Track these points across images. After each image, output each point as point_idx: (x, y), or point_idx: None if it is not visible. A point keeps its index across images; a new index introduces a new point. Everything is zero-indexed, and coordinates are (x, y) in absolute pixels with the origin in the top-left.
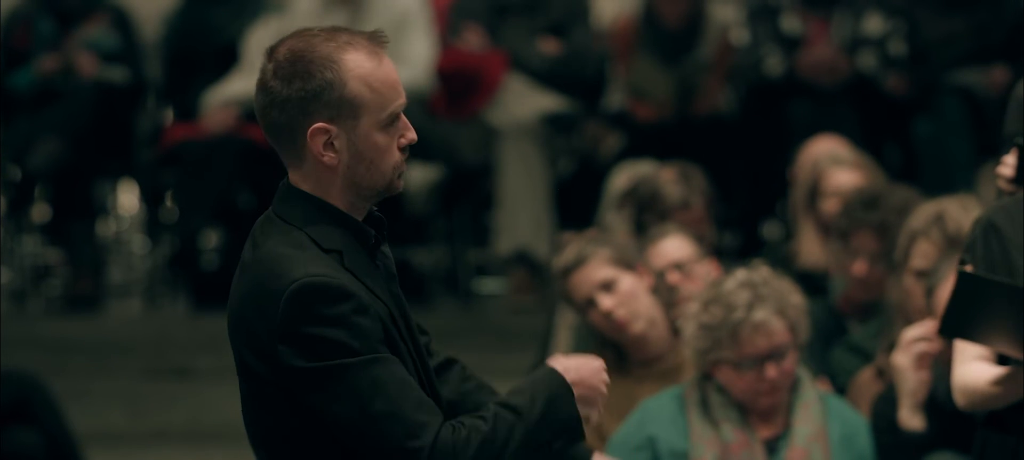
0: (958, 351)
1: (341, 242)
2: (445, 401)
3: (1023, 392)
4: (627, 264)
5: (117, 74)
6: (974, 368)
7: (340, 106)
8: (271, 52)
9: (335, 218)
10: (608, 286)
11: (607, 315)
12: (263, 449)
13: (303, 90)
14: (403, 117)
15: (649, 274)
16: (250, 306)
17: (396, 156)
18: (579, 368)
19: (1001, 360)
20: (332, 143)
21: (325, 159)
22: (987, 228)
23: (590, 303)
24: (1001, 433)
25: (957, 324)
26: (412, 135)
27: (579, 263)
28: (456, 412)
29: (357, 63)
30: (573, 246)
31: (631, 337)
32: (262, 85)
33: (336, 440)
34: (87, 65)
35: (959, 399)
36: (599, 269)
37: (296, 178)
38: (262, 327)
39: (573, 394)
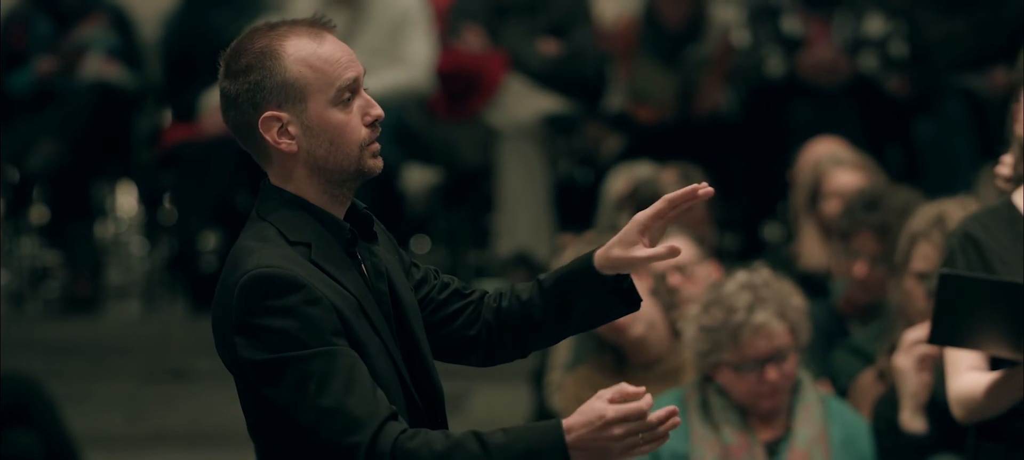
0: (950, 363)
1: (310, 235)
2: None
3: (1020, 394)
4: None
5: (115, 75)
6: (968, 379)
7: (284, 91)
8: (223, 56)
9: (306, 210)
10: None
11: None
12: (255, 439)
13: (247, 83)
14: (364, 94)
15: (648, 276)
16: (217, 301)
17: (361, 133)
18: (583, 429)
19: (994, 366)
20: (286, 130)
21: (282, 146)
22: (964, 239)
23: None
24: (993, 441)
25: (946, 331)
26: (377, 110)
27: None
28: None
29: (296, 47)
30: (572, 249)
31: (630, 340)
32: (219, 90)
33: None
34: (92, 65)
35: (957, 412)
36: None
37: (272, 176)
38: (224, 321)
39: (565, 456)
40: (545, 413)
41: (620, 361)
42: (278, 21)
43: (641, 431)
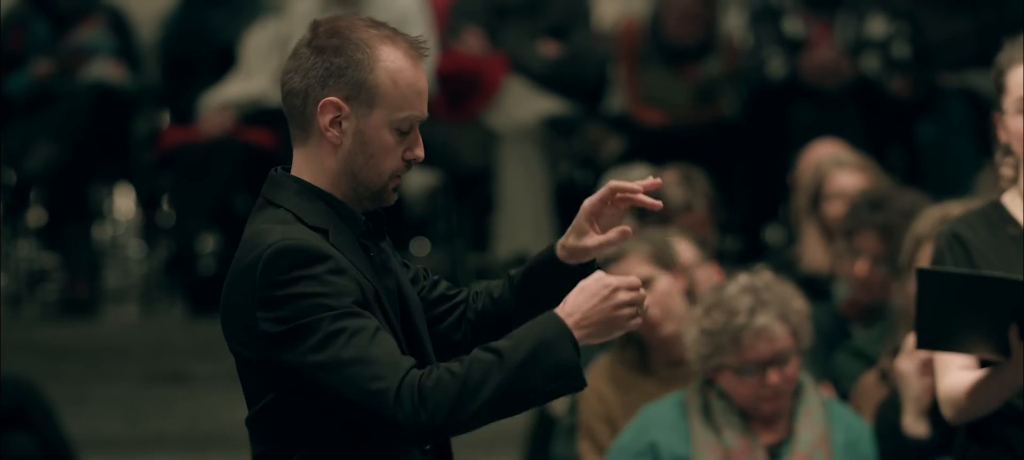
0: (940, 363)
1: (327, 222)
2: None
3: (1005, 394)
4: (665, 264)
5: (114, 76)
6: (957, 378)
7: (359, 89)
8: (315, 24)
9: (322, 199)
10: (645, 284)
11: None
12: (256, 430)
13: (329, 62)
14: (417, 132)
15: (683, 277)
16: (231, 285)
17: (398, 163)
18: (581, 306)
19: (984, 365)
20: (340, 122)
21: (328, 135)
22: (951, 240)
23: None
24: (981, 444)
25: (932, 334)
26: (420, 152)
27: (618, 258)
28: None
29: (391, 57)
30: None
31: (661, 337)
32: (295, 51)
33: (322, 416)
34: (97, 68)
35: (946, 412)
36: (638, 265)
37: (297, 158)
38: (242, 301)
39: (572, 337)
40: (546, 416)
41: (643, 357)
42: (382, 23)
43: (638, 302)
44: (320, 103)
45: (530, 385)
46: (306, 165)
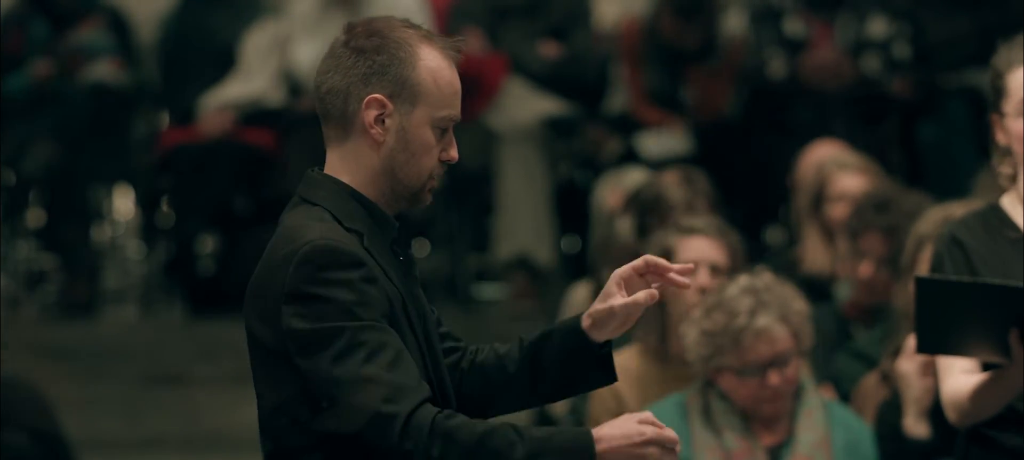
0: (943, 366)
1: (362, 225)
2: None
3: (1007, 397)
4: (733, 262)
5: (113, 77)
6: (960, 381)
7: (403, 86)
8: (350, 26)
9: (358, 201)
10: (714, 270)
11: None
12: (271, 433)
13: (371, 60)
14: (452, 133)
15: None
16: (262, 273)
17: (435, 163)
18: (614, 439)
19: (986, 367)
20: (383, 119)
21: (372, 132)
22: (951, 243)
23: None
24: (982, 448)
25: (932, 338)
26: (455, 153)
27: (689, 232)
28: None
29: (430, 56)
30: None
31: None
32: (331, 52)
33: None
34: (99, 69)
35: (949, 414)
36: (709, 250)
37: (332, 159)
38: (271, 291)
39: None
40: (546, 416)
41: (663, 350)
42: (417, 24)
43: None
44: (364, 100)
45: None
46: (343, 165)
